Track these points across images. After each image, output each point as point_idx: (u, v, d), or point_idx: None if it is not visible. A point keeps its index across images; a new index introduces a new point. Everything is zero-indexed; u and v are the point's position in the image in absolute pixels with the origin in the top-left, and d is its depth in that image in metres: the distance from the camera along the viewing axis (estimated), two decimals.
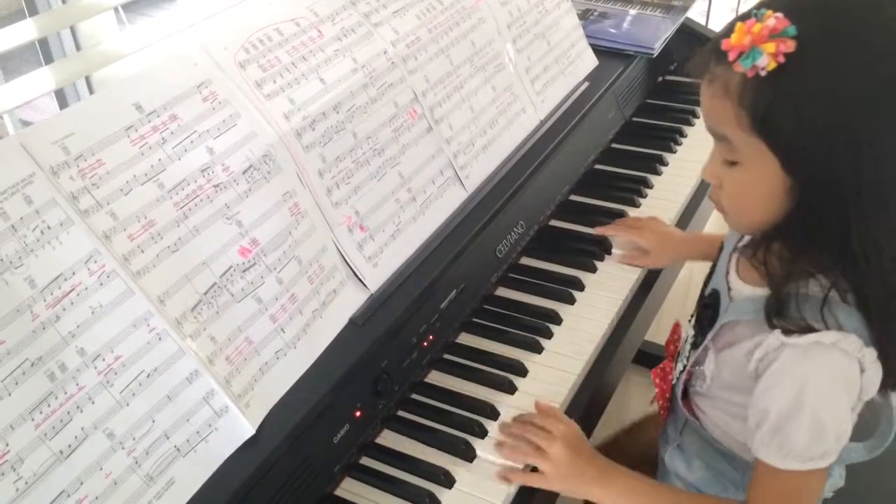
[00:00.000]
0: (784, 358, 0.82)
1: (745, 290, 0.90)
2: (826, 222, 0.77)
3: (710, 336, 0.92)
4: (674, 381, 1.03)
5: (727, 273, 0.93)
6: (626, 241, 1.27)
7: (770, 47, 0.73)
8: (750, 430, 0.87)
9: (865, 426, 0.97)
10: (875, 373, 0.82)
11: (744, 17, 0.76)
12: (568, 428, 0.97)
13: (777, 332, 0.81)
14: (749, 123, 0.76)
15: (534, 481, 0.94)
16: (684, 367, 0.98)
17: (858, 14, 0.75)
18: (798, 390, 0.81)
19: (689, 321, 1.01)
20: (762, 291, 0.85)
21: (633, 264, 1.25)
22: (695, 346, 0.96)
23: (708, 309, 0.94)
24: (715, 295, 0.94)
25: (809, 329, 0.79)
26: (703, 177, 0.89)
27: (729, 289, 0.92)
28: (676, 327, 1.09)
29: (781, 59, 0.73)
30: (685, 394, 1.01)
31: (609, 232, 1.28)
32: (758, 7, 0.76)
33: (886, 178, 0.75)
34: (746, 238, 0.94)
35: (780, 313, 0.81)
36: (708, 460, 1.03)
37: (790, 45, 0.72)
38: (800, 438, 0.82)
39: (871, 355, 0.80)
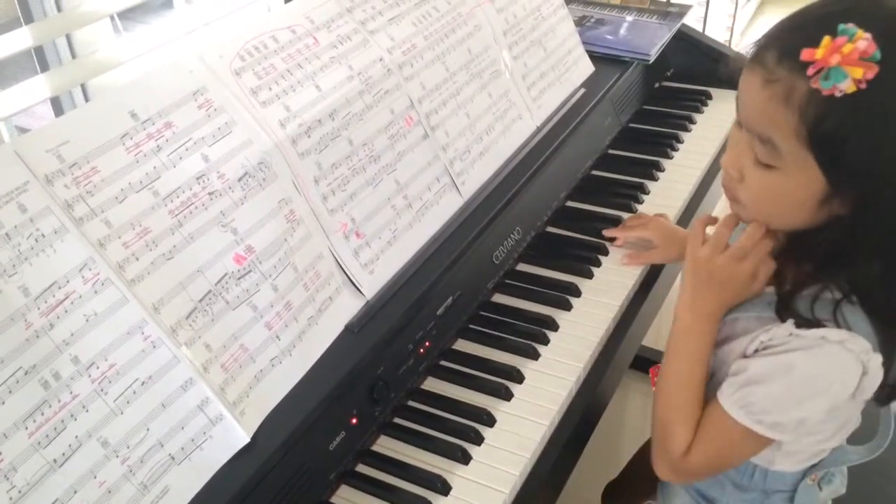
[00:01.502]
0: (788, 344, 0.82)
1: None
2: (867, 239, 0.77)
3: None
4: None
5: None
6: (633, 237, 1.27)
7: (858, 73, 0.70)
8: (728, 376, 0.87)
9: (866, 428, 0.97)
10: (876, 377, 0.82)
11: (826, 28, 0.72)
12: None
13: (789, 322, 0.81)
14: (805, 137, 0.74)
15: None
16: None
17: None
18: (786, 365, 0.82)
19: None
20: (771, 289, 0.85)
21: (641, 261, 1.25)
22: None
23: None
24: None
25: (819, 325, 0.80)
26: (724, 166, 0.86)
27: None
28: None
29: (863, 86, 0.70)
30: None
31: (618, 234, 1.27)
32: (841, 17, 0.72)
33: None
34: None
35: (791, 310, 0.82)
36: None
37: (874, 70, 0.70)
38: (762, 401, 0.83)
39: (876, 360, 0.80)
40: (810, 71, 0.72)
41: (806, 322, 0.81)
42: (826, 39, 0.71)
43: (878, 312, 0.81)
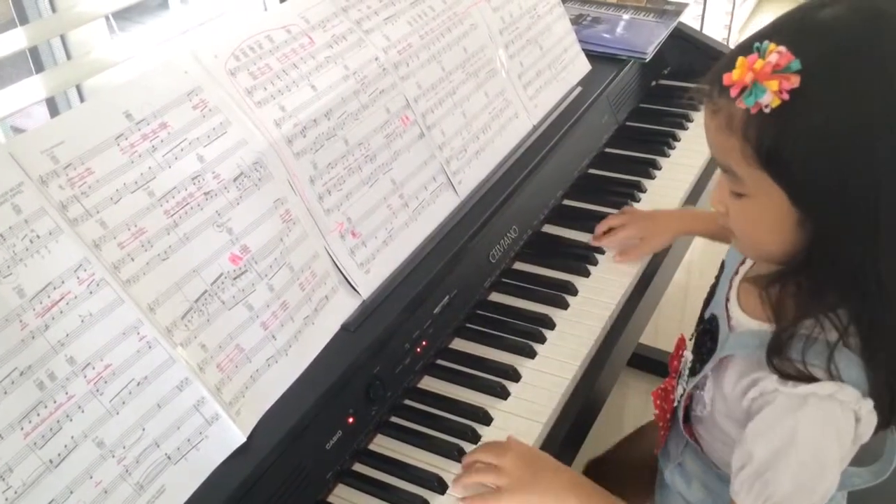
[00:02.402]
0: (777, 403, 0.79)
1: (746, 323, 0.87)
2: (842, 256, 0.75)
3: (709, 366, 0.90)
4: (675, 403, 1.01)
5: (727, 300, 0.91)
6: (621, 239, 1.27)
7: (773, 85, 0.70)
8: (733, 471, 0.84)
9: (870, 450, 0.96)
10: (870, 422, 0.80)
11: (746, 50, 0.73)
12: (518, 443, 0.95)
13: (774, 377, 0.79)
14: (754, 158, 0.74)
15: (495, 499, 0.91)
16: (684, 390, 0.96)
17: (862, 44, 0.72)
18: (787, 437, 0.78)
19: (690, 340, 0.99)
20: (767, 327, 0.82)
21: (633, 257, 1.25)
22: (693, 372, 0.94)
23: (707, 335, 0.92)
24: (714, 321, 0.92)
25: (808, 376, 0.77)
26: (711, 205, 0.86)
27: (729, 318, 0.90)
28: (681, 342, 1.05)
29: (785, 97, 0.70)
30: (686, 417, 0.99)
31: (604, 242, 1.27)
32: (759, 38, 0.73)
33: None
34: (749, 262, 0.92)
35: (782, 353, 0.78)
36: (707, 483, 1.01)
37: (794, 81, 0.70)
38: (783, 485, 0.79)
39: (867, 406, 0.78)
40: (733, 93, 0.73)
41: (794, 373, 0.78)
42: (739, 60, 0.72)
43: (881, 354, 0.77)
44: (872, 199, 0.71)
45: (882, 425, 0.82)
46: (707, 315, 0.95)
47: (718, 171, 0.84)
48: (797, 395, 0.78)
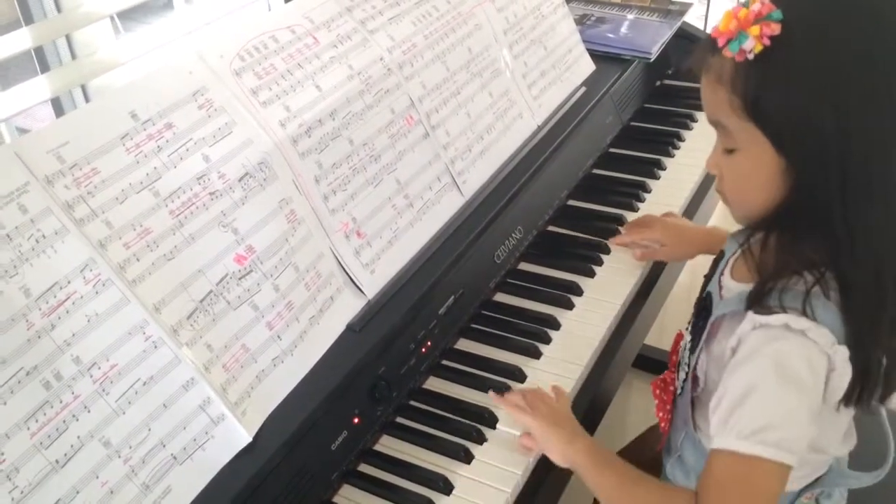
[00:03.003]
0: (753, 338, 0.81)
1: (734, 287, 0.89)
2: (816, 205, 0.78)
3: (703, 336, 0.92)
4: (678, 391, 1.01)
5: (721, 276, 0.93)
6: (642, 241, 1.26)
7: (755, 30, 0.75)
8: (711, 411, 0.85)
9: (872, 455, 0.96)
10: (844, 374, 0.80)
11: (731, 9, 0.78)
12: (547, 396, 1.01)
13: (750, 313, 0.81)
14: (741, 108, 0.78)
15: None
16: (686, 374, 0.97)
17: None
18: (758, 369, 0.80)
19: (687, 328, 1.01)
20: (748, 285, 0.85)
21: (653, 257, 1.25)
22: (692, 350, 0.96)
23: (702, 312, 0.94)
24: (708, 297, 0.94)
25: (782, 311, 0.79)
26: (706, 168, 0.90)
27: (721, 289, 0.92)
28: (679, 337, 1.07)
29: (767, 42, 0.75)
30: (692, 403, 0.99)
31: (626, 241, 1.27)
32: None
33: (874, 159, 0.76)
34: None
35: (761, 302, 0.81)
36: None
37: (775, 28, 0.75)
38: (753, 417, 0.80)
39: (842, 353, 0.79)
40: (720, 42, 0.78)
41: (767, 311, 0.80)
42: (725, 12, 0.77)
43: (855, 304, 0.79)
44: (844, 145, 0.75)
45: (879, 396, 0.84)
46: (703, 295, 0.97)
47: (710, 149, 0.88)
48: (772, 324, 0.79)
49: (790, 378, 0.79)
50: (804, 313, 0.78)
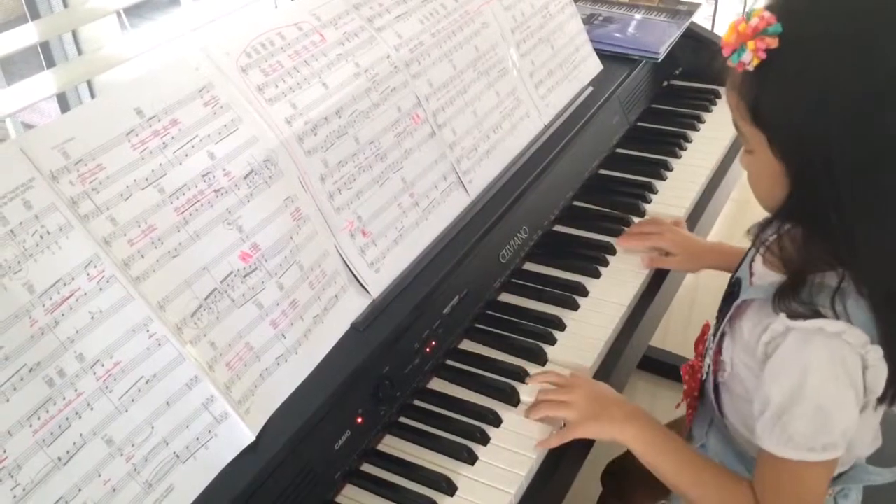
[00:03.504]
0: (788, 343, 0.83)
1: (766, 276, 0.91)
2: (813, 210, 0.81)
3: (727, 318, 0.94)
4: (703, 377, 1.03)
5: (752, 262, 0.95)
6: (649, 246, 1.26)
7: (751, 45, 0.78)
8: (754, 418, 0.88)
9: (891, 450, 0.97)
10: (880, 371, 0.82)
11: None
12: (587, 381, 1.02)
13: (782, 315, 0.83)
14: (747, 113, 0.82)
15: (567, 434, 0.97)
16: (711, 361, 0.99)
17: (840, 16, 0.78)
18: (800, 376, 0.82)
19: (715, 320, 1.02)
20: (780, 276, 0.87)
21: (660, 265, 1.24)
22: (714, 333, 0.98)
23: (730, 297, 0.96)
24: (737, 282, 0.96)
25: (816, 315, 0.81)
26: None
27: (752, 275, 0.94)
28: (706, 327, 1.08)
29: (762, 55, 0.78)
30: (716, 389, 1.01)
31: (632, 243, 1.27)
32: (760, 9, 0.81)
33: (864, 171, 0.78)
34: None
35: (792, 297, 0.83)
36: (728, 462, 1.02)
37: (771, 43, 0.77)
38: (801, 426, 0.83)
39: (875, 353, 0.81)
40: (725, 53, 0.81)
41: (802, 312, 0.82)
42: (730, 24, 0.80)
43: (880, 298, 0.81)
44: (833, 156, 0.78)
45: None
46: (731, 281, 0.99)
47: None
48: (805, 329, 0.81)
49: (830, 381, 0.82)
50: (835, 311, 0.80)
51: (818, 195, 0.80)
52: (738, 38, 0.79)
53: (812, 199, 0.81)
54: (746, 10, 0.82)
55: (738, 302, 0.92)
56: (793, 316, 0.82)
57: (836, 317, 0.80)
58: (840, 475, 0.97)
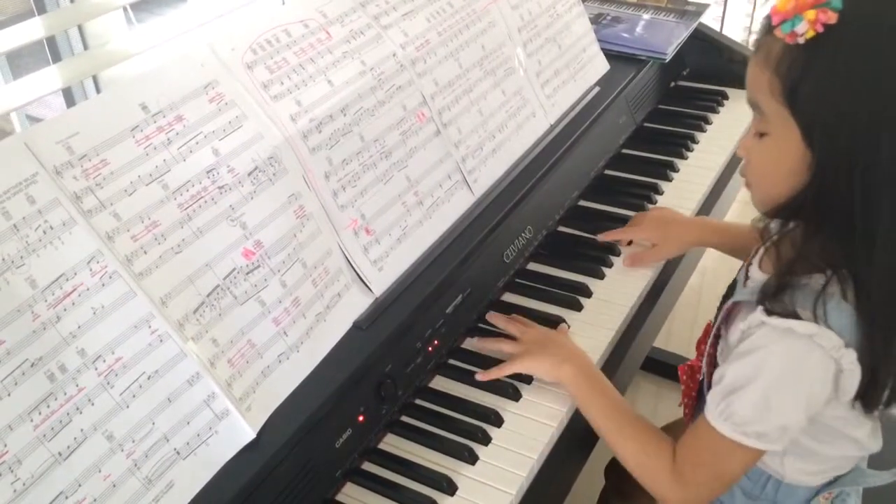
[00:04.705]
0: (759, 334, 0.83)
1: (759, 278, 0.90)
2: (835, 202, 0.78)
3: (719, 319, 0.93)
4: (701, 377, 1.03)
5: (750, 265, 0.94)
6: (634, 238, 1.26)
7: (811, 14, 0.73)
8: (712, 385, 0.88)
9: (891, 454, 0.96)
10: (853, 375, 0.81)
11: None
12: (543, 328, 1.08)
13: (760, 309, 0.82)
14: (780, 91, 0.78)
15: (506, 368, 1.03)
16: (706, 361, 0.99)
17: None
18: (757, 366, 0.82)
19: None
20: (766, 275, 0.86)
21: (642, 261, 1.23)
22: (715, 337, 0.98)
23: (725, 300, 0.95)
24: (733, 284, 0.96)
25: (792, 314, 0.80)
26: (738, 151, 0.91)
27: (747, 278, 0.93)
28: (709, 327, 1.07)
29: (819, 28, 0.74)
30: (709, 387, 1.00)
31: (614, 237, 1.26)
32: None
33: None
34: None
35: (774, 297, 0.82)
36: None
37: (832, 17, 0.73)
38: (742, 409, 0.83)
39: (849, 356, 0.80)
40: (775, 21, 0.77)
41: (780, 311, 0.81)
42: None
43: (871, 305, 0.80)
44: (873, 149, 0.74)
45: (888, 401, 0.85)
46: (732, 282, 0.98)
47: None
48: (776, 327, 0.81)
49: (787, 379, 0.82)
50: (814, 314, 0.79)
51: (845, 191, 0.76)
52: (795, 7, 0.74)
53: (835, 194, 0.78)
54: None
55: (728, 304, 0.91)
56: (769, 312, 0.81)
57: (815, 319, 0.78)
58: (837, 478, 0.96)
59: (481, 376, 1.03)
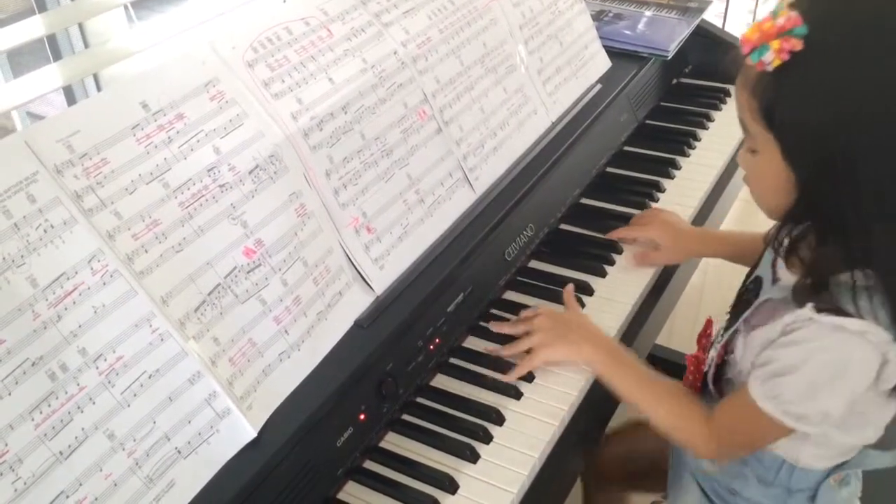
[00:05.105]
0: (809, 329, 0.84)
1: (788, 276, 0.91)
2: (824, 213, 0.82)
3: (744, 315, 0.94)
4: (706, 369, 1.04)
5: (774, 263, 0.95)
6: (639, 238, 1.26)
7: (776, 44, 0.76)
8: (756, 365, 0.90)
9: (891, 434, 0.97)
10: None
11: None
12: (546, 310, 1.09)
13: (810, 305, 0.84)
14: (759, 114, 0.81)
15: (531, 362, 1.04)
16: (717, 351, 1.00)
17: (872, 23, 0.77)
18: (804, 357, 0.85)
19: (726, 315, 1.03)
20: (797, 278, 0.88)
21: (646, 262, 1.24)
22: (726, 329, 0.99)
23: (748, 293, 0.97)
24: (757, 280, 0.97)
25: (841, 311, 0.82)
26: (738, 160, 0.93)
27: (775, 277, 0.94)
28: (709, 322, 1.10)
29: (785, 57, 0.76)
30: (717, 382, 1.02)
31: (622, 235, 1.26)
32: (789, 6, 0.79)
33: (884, 182, 0.78)
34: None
35: (816, 295, 0.84)
36: None
37: (796, 44, 0.76)
38: (788, 392, 0.86)
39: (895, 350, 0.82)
40: (745, 50, 0.80)
41: (828, 309, 0.82)
42: (754, 23, 0.79)
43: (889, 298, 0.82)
44: (849, 177, 0.78)
45: None
46: (750, 279, 1.00)
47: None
48: (827, 323, 0.82)
49: (834, 371, 0.84)
50: (858, 311, 0.81)
51: (830, 200, 0.80)
52: (761, 37, 0.77)
53: (822, 203, 0.81)
54: (771, 12, 0.80)
55: (759, 301, 0.92)
56: (819, 310, 0.83)
57: (860, 316, 0.81)
58: (843, 463, 0.98)
59: (507, 378, 1.03)
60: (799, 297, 0.85)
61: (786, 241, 0.89)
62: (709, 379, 1.03)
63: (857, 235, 0.80)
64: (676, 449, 1.12)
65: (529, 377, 1.05)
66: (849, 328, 0.81)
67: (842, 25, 0.78)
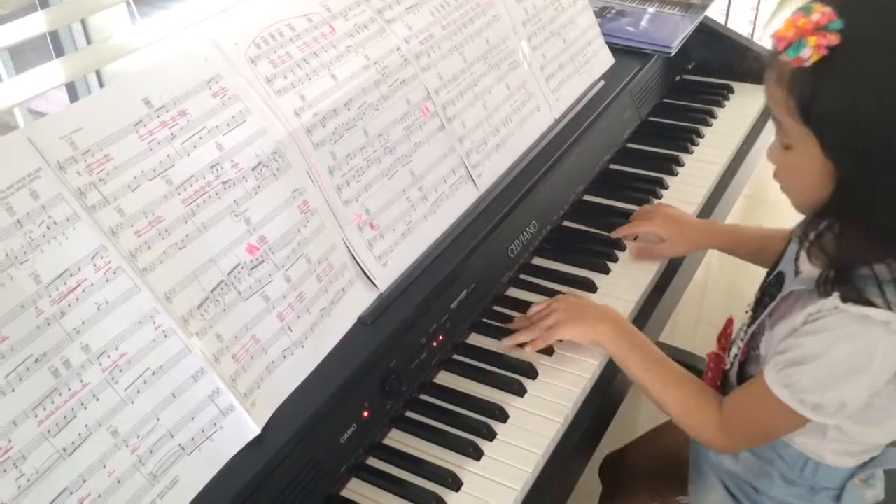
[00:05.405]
0: (833, 318, 0.84)
1: (810, 269, 0.91)
2: (862, 206, 0.81)
3: (768, 309, 0.94)
4: (727, 367, 1.04)
5: (797, 257, 0.95)
6: (641, 232, 1.25)
7: (813, 40, 0.76)
8: (774, 352, 0.90)
9: None
10: None
11: (797, 11, 0.80)
12: (565, 296, 1.10)
13: (836, 295, 0.84)
14: (796, 110, 0.81)
15: (550, 336, 1.05)
16: (739, 349, 1.00)
17: None
18: (826, 346, 0.84)
19: (746, 313, 1.03)
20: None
21: (650, 255, 1.23)
22: (751, 324, 0.99)
23: (771, 288, 0.97)
24: (780, 276, 0.97)
25: (867, 302, 0.82)
26: (767, 157, 0.93)
27: (797, 271, 0.94)
28: (730, 322, 1.10)
29: (824, 52, 0.76)
30: (742, 379, 1.01)
31: (626, 232, 1.26)
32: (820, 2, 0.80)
33: None
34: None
35: (843, 285, 0.84)
36: (757, 450, 1.02)
37: (833, 39, 0.76)
38: (806, 380, 0.86)
39: None
40: (780, 47, 0.79)
41: (854, 299, 0.83)
42: (787, 18, 0.79)
43: None
44: (888, 167, 0.77)
45: None
46: (772, 275, 1.00)
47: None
48: (852, 313, 0.82)
49: (856, 361, 0.84)
50: (887, 303, 0.81)
51: (869, 193, 0.80)
52: (796, 33, 0.77)
53: (861, 196, 0.81)
54: (802, 8, 0.80)
55: (783, 293, 0.92)
56: (845, 299, 0.83)
57: (889, 307, 0.81)
58: (872, 459, 0.98)
59: (529, 348, 1.06)
60: (823, 287, 0.85)
61: (812, 235, 0.89)
62: (732, 376, 1.03)
63: (888, 227, 0.80)
64: (697, 447, 1.12)
65: (533, 374, 1.05)
66: (875, 318, 0.81)
67: (877, 16, 0.78)
